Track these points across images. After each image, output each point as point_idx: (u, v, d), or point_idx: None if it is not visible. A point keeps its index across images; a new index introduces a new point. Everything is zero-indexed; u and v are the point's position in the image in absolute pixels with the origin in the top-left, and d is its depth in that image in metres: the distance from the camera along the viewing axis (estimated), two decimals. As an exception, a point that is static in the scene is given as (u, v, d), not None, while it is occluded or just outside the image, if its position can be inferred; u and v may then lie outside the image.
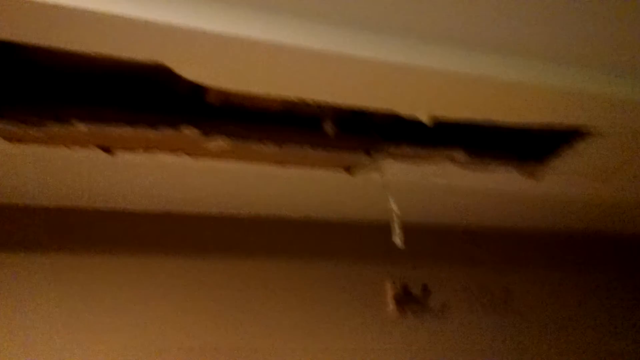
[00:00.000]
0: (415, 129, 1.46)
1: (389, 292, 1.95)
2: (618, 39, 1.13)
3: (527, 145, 1.62)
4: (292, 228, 1.90)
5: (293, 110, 1.33)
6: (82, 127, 1.19)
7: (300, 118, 1.36)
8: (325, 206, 1.82)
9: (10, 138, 1.18)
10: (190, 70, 1.02)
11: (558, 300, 2.18)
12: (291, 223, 1.91)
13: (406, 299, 1.93)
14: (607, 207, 1.94)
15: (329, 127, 1.28)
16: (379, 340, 1.87)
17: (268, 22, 0.97)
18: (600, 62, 1.21)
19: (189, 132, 1.24)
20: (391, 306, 1.93)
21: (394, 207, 1.39)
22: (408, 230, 2.04)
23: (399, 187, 1.63)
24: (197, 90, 1.21)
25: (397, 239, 1.36)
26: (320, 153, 1.41)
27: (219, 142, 1.27)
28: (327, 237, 1.95)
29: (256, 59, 1.01)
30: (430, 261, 2.04)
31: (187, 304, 1.67)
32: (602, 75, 1.25)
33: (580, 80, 1.23)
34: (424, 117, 1.24)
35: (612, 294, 2.30)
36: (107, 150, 1.30)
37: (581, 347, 2.14)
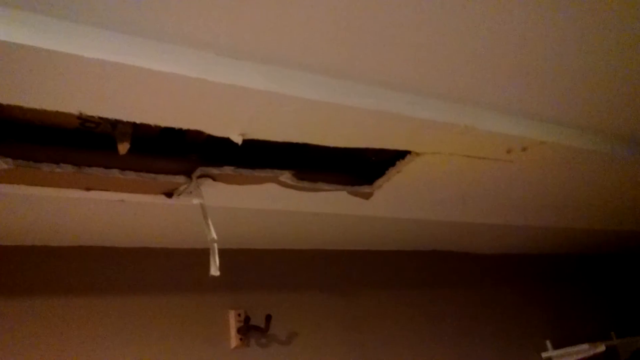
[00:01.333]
0: (241, 151, 1.39)
1: (233, 324, 1.84)
2: (436, 63, 1.14)
3: (358, 169, 1.62)
4: (119, 257, 1.73)
5: (92, 129, 1.19)
6: None
7: (104, 137, 1.22)
8: (153, 234, 1.68)
9: None
10: None
11: (401, 315, 2.22)
12: (121, 252, 1.75)
13: (250, 330, 1.84)
14: (440, 227, 2.02)
15: (122, 147, 1.15)
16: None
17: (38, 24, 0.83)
18: (411, 85, 1.22)
19: (-44, 152, 1.05)
20: (235, 339, 1.82)
21: (211, 232, 1.29)
22: (250, 256, 1.99)
23: (230, 215, 1.55)
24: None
25: (214, 267, 1.26)
26: (131, 176, 1.28)
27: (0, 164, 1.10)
28: (164, 267, 1.81)
29: (27, 66, 0.86)
30: (275, 288, 1.98)
31: None
32: (414, 98, 1.26)
33: (392, 104, 1.22)
34: (235, 137, 1.17)
35: (452, 307, 2.40)
36: None
37: (429, 356, 2.19)
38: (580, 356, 2.40)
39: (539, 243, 2.68)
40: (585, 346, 2.37)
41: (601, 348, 2.36)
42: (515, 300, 2.63)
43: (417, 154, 1.44)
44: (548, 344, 2.53)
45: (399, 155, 1.51)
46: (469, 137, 1.39)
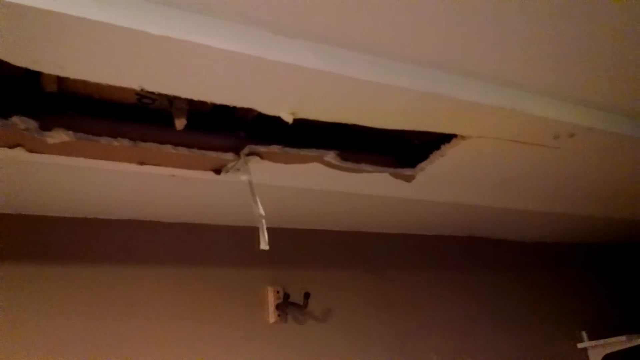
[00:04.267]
0: (287, 131, 1.41)
1: (272, 301, 1.89)
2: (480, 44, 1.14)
3: (401, 152, 1.63)
4: (165, 231, 1.79)
5: (148, 105, 1.23)
6: None
7: (157, 114, 1.26)
8: (199, 210, 1.72)
9: None
10: (3, 49, 0.89)
11: (437, 301, 2.23)
12: (167, 227, 1.80)
13: (288, 306, 1.88)
14: (479, 213, 2.01)
15: (179, 123, 1.19)
16: (260, 348, 1.80)
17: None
18: (460, 67, 1.22)
19: (22, 124, 1.10)
20: (273, 314, 1.87)
21: (259, 208, 1.32)
22: (291, 235, 2.02)
23: (273, 193, 1.57)
24: (31, 76, 1.08)
25: (263, 242, 1.30)
26: (182, 152, 1.32)
27: (60, 135, 1.15)
28: (207, 242, 1.87)
29: (94, 41, 0.90)
30: (312, 266, 2.01)
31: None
32: (463, 81, 1.26)
33: (442, 86, 1.23)
34: (285, 115, 1.19)
35: (486, 294, 2.39)
36: None
37: (460, 343, 2.20)
38: (616, 348, 2.38)
39: (578, 232, 2.64)
40: (622, 338, 2.34)
41: (639, 341, 2.33)
42: (551, 290, 2.61)
43: (463, 138, 1.43)
44: (584, 334, 2.50)
45: (443, 138, 1.51)
46: (516, 122, 1.38)
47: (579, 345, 2.47)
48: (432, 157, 1.55)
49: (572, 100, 1.45)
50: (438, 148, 1.53)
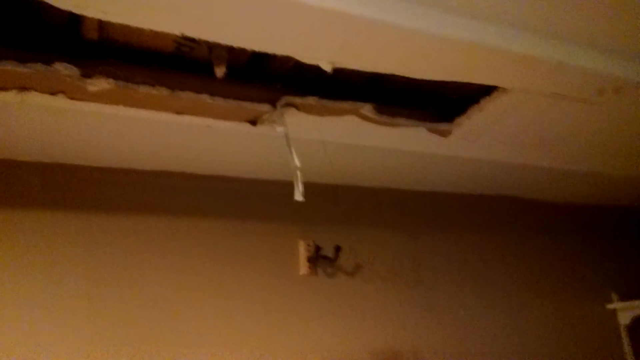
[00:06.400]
0: (323, 84, 1.39)
1: (303, 253, 1.91)
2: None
3: (439, 107, 1.60)
4: (198, 183, 1.81)
5: (187, 53, 1.22)
6: None
7: (195, 63, 1.25)
8: (233, 163, 1.73)
9: None
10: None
11: (466, 260, 2.23)
12: (201, 179, 1.82)
13: (319, 259, 1.90)
14: (514, 171, 1.98)
15: (219, 70, 1.18)
16: (291, 299, 1.84)
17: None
18: (506, 18, 1.17)
19: (65, 70, 1.11)
20: (304, 267, 1.90)
21: (295, 159, 1.32)
22: (322, 191, 2.03)
23: (307, 148, 1.56)
24: (72, 23, 1.08)
25: (298, 193, 1.30)
26: (219, 102, 1.32)
27: (100, 83, 1.15)
28: (240, 195, 1.88)
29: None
30: (343, 223, 2.02)
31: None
32: (509, 32, 1.22)
33: (487, 36, 1.19)
34: (325, 64, 1.17)
35: (516, 254, 2.38)
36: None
37: (489, 302, 2.21)
38: (646, 310, 2.36)
39: (614, 193, 2.58)
40: (654, 300, 2.32)
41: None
42: (582, 251, 2.58)
43: (504, 91, 1.40)
44: (613, 295, 2.49)
45: (483, 92, 1.48)
46: (560, 74, 1.33)
47: (608, 307, 2.46)
48: (470, 111, 1.52)
49: (621, 54, 1.38)
50: (477, 102, 1.50)
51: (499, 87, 1.40)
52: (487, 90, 1.45)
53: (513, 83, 1.35)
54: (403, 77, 1.30)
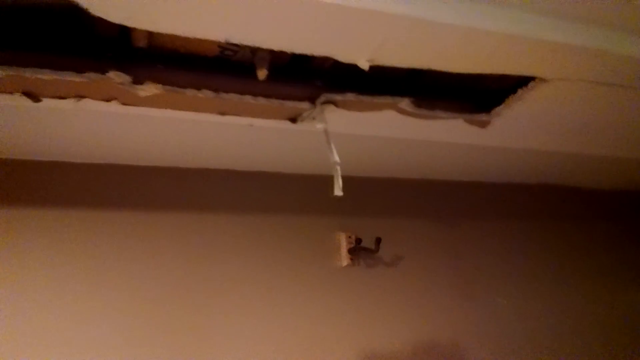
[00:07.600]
0: (362, 79, 1.42)
1: (344, 245, 1.95)
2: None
3: (476, 97, 1.60)
4: (244, 181, 1.87)
5: (230, 57, 1.27)
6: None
7: (238, 65, 1.30)
8: (274, 158, 1.78)
9: None
10: (101, 7, 0.95)
11: (506, 249, 2.23)
12: (242, 175, 1.89)
13: (360, 251, 1.94)
14: (553, 159, 1.96)
15: (261, 73, 1.22)
16: (332, 290, 1.89)
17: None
18: (543, 7, 1.17)
19: (118, 78, 1.18)
20: (345, 258, 1.94)
21: (334, 155, 1.36)
22: (361, 184, 2.06)
23: (346, 142, 1.60)
24: (122, 32, 1.14)
25: (337, 188, 1.34)
26: (261, 102, 1.36)
27: (150, 88, 1.22)
28: (281, 190, 1.94)
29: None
30: (383, 214, 2.05)
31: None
32: (547, 21, 1.21)
33: (524, 26, 1.19)
34: (363, 63, 1.20)
35: (557, 242, 2.36)
36: (33, 97, 1.24)
37: (530, 291, 2.20)
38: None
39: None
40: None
41: None
42: (623, 238, 2.54)
43: (543, 81, 1.39)
44: (660, 282, 2.44)
45: (521, 82, 1.47)
46: (600, 62, 1.32)
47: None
48: (508, 101, 1.52)
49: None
50: (515, 92, 1.50)
51: (537, 77, 1.39)
52: (525, 81, 1.45)
53: (551, 73, 1.35)
54: (440, 71, 1.31)
